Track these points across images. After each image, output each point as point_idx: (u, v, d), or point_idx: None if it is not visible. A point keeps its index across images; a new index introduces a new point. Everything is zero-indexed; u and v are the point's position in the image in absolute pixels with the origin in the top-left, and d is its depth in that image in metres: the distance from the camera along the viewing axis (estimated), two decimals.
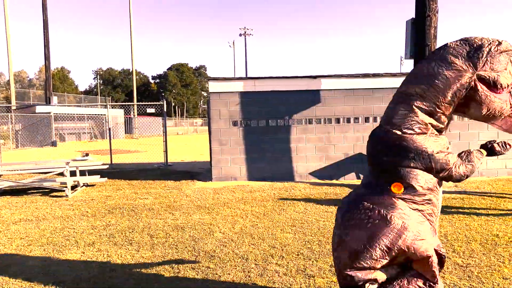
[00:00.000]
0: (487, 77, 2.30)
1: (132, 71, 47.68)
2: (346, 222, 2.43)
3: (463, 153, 2.49)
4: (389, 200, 2.36)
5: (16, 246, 4.51)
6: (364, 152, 8.84)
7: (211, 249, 4.22)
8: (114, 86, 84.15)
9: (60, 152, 19.00)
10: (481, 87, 2.32)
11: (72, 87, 75.02)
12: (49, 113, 25.34)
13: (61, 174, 7.98)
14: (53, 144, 23.93)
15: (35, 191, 7.98)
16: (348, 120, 8.86)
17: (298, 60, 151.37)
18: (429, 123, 2.39)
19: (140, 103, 15.04)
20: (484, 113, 2.40)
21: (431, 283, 2.38)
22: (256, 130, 8.84)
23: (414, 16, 7.32)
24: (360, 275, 2.35)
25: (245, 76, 27.71)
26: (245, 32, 50.67)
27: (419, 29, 7.05)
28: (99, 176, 8.71)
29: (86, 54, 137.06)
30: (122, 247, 4.36)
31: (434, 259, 2.34)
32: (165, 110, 12.34)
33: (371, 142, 2.56)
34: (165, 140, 12.09)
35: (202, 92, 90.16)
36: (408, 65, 56.72)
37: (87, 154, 9.50)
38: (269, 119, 8.85)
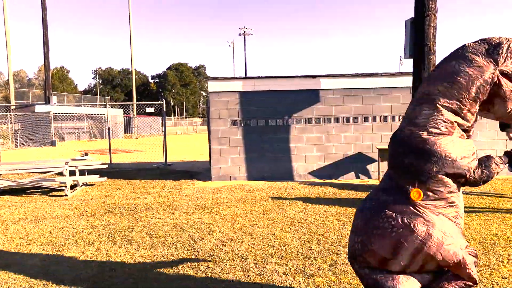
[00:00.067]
0: (510, 72, 2.29)
1: (131, 71, 47.67)
2: (370, 230, 2.37)
3: (483, 158, 2.43)
4: (412, 207, 2.30)
5: (16, 245, 4.51)
6: (363, 152, 8.85)
7: (211, 249, 4.23)
8: (114, 85, 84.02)
9: (59, 151, 19.00)
10: (505, 83, 2.31)
11: (72, 86, 74.92)
12: (49, 112, 25.36)
13: (61, 173, 7.98)
14: (53, 143, 23.95)
15: (35, 190, 7.98)
16: (348, 120, 8.86)
17: (298, 60, 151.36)
18: (455, 122, 2.34)
19: (140, 102, 15.08)
20: (509, 109, 2.36)
21: (470, 284, 2.34)
22: (255, 130, 8.85)
23: (413, 16, 7.32)
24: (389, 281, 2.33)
25: (244, 75, 27.71)
26: (244, 32, 50.64)
27: (419, 28, 7.05)
28: (98, 175, 8.71)
29: (86, 53, 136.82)
30: (122, 247, 4.36)
31: (467, 260, 2.28)
32: (164, 109, 12.34)
33: (393, 144, 2.51)
34: (165, 140, 12.09)
35: (202, 92, 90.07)
36: (407, 65, 56.68)
37: (86, 154, 9.49)
38: (268, 119, 8.85)
